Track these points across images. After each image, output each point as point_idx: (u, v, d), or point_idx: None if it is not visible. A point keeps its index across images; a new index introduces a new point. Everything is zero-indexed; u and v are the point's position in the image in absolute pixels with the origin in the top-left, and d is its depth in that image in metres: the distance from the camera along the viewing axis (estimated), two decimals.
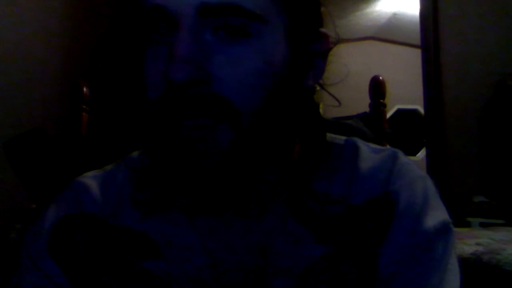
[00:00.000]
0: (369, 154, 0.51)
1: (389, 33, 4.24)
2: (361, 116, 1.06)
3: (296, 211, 0.48)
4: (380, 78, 1.31)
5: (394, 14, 3.91)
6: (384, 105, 1.28)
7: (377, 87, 1.29)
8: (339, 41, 0.49)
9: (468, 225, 1.86)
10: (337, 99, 0.51)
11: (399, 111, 4.28)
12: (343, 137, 0.54)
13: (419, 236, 0.46)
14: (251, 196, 0.48)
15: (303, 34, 0.45)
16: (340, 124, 0.82)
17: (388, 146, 1.19)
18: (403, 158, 0.51)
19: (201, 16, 0.39)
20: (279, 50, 0.43)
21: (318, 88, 0.51)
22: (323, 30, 0.48)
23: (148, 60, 0.43)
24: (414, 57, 3.12)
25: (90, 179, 0.53)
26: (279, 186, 0.49)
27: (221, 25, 0.40)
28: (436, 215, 0.48)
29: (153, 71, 0.42)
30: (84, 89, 1.33)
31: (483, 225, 1.82)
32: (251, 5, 0.39)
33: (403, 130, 4.12)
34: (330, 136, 0.54)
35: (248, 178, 0.45)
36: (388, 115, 3.96)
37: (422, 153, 3.80)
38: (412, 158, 3.80)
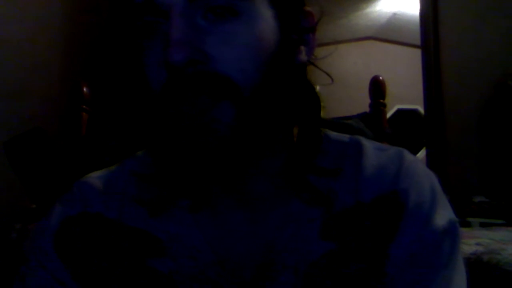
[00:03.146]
0: (374, 152, 0.51)
1: (389, 33, 4.23)
2: (361, 116, 1.07)
3: (300, 190, 0.48)
4: (380, 78, 1.31)
5: (394, 14, 3.91)
6: (384, 105, 1.28)
7: (377, 87, 1.29)
8: (323, 14, 0.51)
9: (468, 225, 1.86)
10: (330, 76, 0.52)
11: (399, 111, 4.28)
12: (347, 136, 0.54)
13: (428, 236, 0.46)
14: (255, 189, 0.48)
15: (290, 10, 0.47)
16: (341, 124, 0.83)
17: None
18: (409, 156, 0.51)
19: (189, 0, 0.41)
20: (269, 26, 0.44)
21: (317, 88, 0.51)
22: (307, 8, 0.50)
23: (146, 53, 0.44)
24: (414, 57, 3.12)
25: (95, 179, 0.53)
26: (281, 172, 0.49)
27: (209, 8, 0.41)
28: (444, 214, 0.48)
29: (152, 63, 0.43)
30: (84, 89, 1.33)
31: (483, 225, 1.82)
32: None
33: (403, 130, 4.11)
34: (334, 134, 0.54)
35: (252, 162, 0.46)
36: (388, 115, 3.97)
37: (422, 153, 3.80)
38: None
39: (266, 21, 0.44)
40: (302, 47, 0.49)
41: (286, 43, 0.46)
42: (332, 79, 0.52)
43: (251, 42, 0.42)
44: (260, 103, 0.43)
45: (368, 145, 0.52)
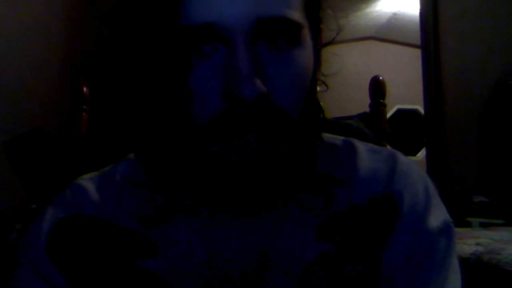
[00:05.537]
0: (368, 154, 0.52)
1: (389, 33, 4.24)
2: (361, 116, 1.07)
3: (295, 193, 0.48)
4: (380, 78, 1.31)
5: (394, 14, 3.91)
6: (384, 105, 1.28)
7: (377, 87, 1.29)
8: (339, 31, 0.51)
9: (468, 225, 1.86)
10: (326, 84, 0.52)
11: (399, 111, 4.28)
12: (341, 137, 0.54)
13: (423, 237, 0.47)
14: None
15: (319, 34, 0.48)
16: (340, 124, 0.83)
17: (388, 146, 1.19)
18: (403, 158, 0.52)
19: (256, 31, 0.39)
20: (312, 55, 0.45)
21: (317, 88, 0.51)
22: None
23: (197, 78, 0.41)
24: (414, 57, 3.12)
25: (88, 181, 0.53)
26: (277, 175, 0.49)
27: (270, 38, 0.41)
28: (439, 215, 0.48)
29: (205, 90, 0.41)
30: (84, 89, 1.33)
31: (483, 225, 1.82)
32: (296, 16, 0.41)
33: (403, 130, 4.11)
34: (327, 136, 0.54)
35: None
36: (388, 115, 3.97)
37: (422, 153, 3.80)
38: (412, 158, 3.80)
39: (310, 50, 0.44)
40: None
41: (315, 66, 0.46)
42: (328, 87, 0.52)
43: (301, 73, 0.42)
44: (304, 130, 0.43)
45: (362, 147, 0.52)
